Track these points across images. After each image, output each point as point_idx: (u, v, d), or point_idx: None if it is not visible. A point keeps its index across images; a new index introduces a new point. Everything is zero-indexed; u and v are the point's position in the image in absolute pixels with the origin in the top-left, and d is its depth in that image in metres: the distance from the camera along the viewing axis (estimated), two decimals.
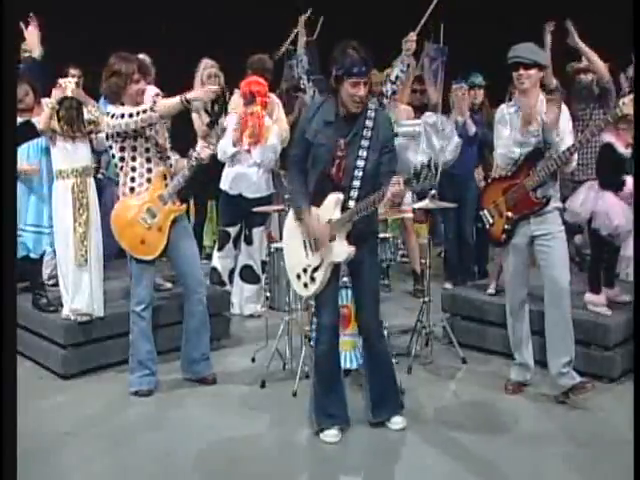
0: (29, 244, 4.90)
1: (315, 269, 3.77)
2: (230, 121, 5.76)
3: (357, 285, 3.92)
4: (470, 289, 5.53)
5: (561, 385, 4.23)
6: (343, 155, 3.66)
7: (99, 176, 5.39)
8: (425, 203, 4.96)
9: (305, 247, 3.82)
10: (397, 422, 3.95)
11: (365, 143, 3.65)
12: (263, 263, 6.11)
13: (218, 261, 6.09)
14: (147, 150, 4.29)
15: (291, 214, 3.94)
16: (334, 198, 3.68)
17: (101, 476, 3.56)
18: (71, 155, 4.67)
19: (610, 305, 4.80)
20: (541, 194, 4.16)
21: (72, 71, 5.74)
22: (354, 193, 3.65)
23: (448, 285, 6.58)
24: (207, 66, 6.38)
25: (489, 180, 4.72)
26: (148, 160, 4.30)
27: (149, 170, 4.31)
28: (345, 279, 4.28)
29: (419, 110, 6.93)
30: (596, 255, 4.95)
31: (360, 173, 3.64)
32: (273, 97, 6.17)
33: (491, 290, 5.24)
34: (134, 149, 4.26)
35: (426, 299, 5.00)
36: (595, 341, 4.57)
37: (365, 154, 3.64)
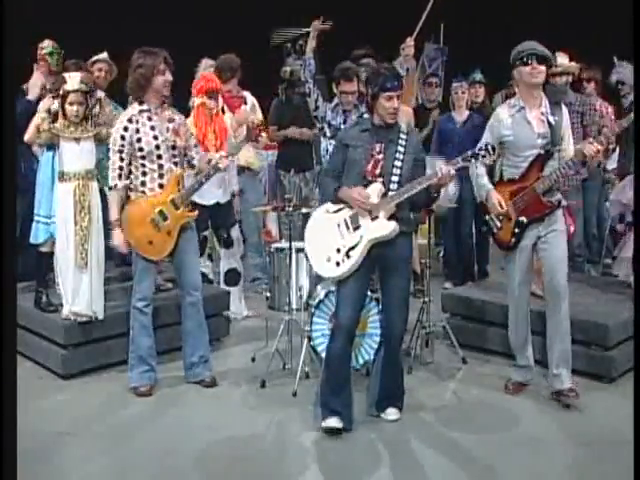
0: (54, 232, 4.88)
1: (352, 248, 3.82)
2: None
3: (387, 285, 3.94)
4: (470, 289, 5.53)
5: (552, 386, 4.26)
6: (380, 158, 3.84)
7: None
8: None
9: (340, 230, 3.89)
10: (391, 413, 4.04)
11: (401, 149, 3.87)
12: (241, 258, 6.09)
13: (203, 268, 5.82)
14: (159, 157, 4.28)
15: (320, 210, 4.00)
16: (377, 187, 3.82)
17: (101, 476, 3.56)
18: (75, 157, 4.63)
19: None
20: (551, 196, 4.13)
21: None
22: (394, 186, 3.82)
23: (448, 285, 6.59)
24: (207, 66, 6.36)
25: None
26: (160, 165, 4.29)
27: (161, 176, 4.30)
28: None
29: (429, 110, 7.00)
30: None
31: (398, 171, 3.83)
32: (248, 95, 6.05)
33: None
34: (142, 151, 4.26)
35: (426, 299, 5.00)
36: (595, 341, 4.56)
37: (401, 157, 3.86)
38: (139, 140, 4.26)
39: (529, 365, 4.40)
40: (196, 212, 4.46)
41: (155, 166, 4.29)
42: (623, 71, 6.09)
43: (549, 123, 4.11)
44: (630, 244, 5.17)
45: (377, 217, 3.81)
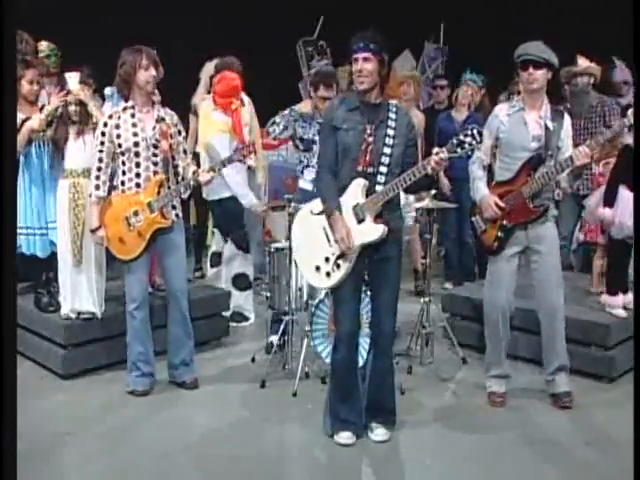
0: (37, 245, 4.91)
1: (340, 256, 3.67)
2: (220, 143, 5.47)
3: (376, 287, 3.78)
4: (470, 289, 5.53)
5: (548, 389, 4.26)
6: (371, 140, 3.63)
7: None
8: (426, 203, 4.96)
9: (327, 235, 3.72)
10: (379, 434, 3.85)
11: (390, 132, 3.64)
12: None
13: (249, 264, 5.88)
14: (137, 155, 4.26)
15: (305, 210, 3.88)
16: (360, 183, 3.63)
17: (101, 476, 3.56)
18: (70, 156, 4.66)
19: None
20: (539, 202, 4.03)
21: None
22: (381, 178, 3.63)
23: (448, 285, 6.59)
24: (212, 69, 6.32)
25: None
26: (137, 164, 4.26)
27: (137, 175, 4.27)
28: None
29: (436, 113, 6.98)
30: (616, 257, 4.83)
31: (387, 159, 3.63)
32: (244, 95, 6.04)
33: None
34: (120, 147, 4.27)
35: (426, 299, 5.00)
36: (595, 341, 4.57)
37: (391, 142, 3.63)
38: (119, 136, 4.25)
39: (508, 374, 4.32)
40: (170, 220, 4.31)
41: (132, 164, 4.26)
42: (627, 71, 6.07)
43: (546, 127, 4.01)
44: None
45: (363, 220, 3.64)
